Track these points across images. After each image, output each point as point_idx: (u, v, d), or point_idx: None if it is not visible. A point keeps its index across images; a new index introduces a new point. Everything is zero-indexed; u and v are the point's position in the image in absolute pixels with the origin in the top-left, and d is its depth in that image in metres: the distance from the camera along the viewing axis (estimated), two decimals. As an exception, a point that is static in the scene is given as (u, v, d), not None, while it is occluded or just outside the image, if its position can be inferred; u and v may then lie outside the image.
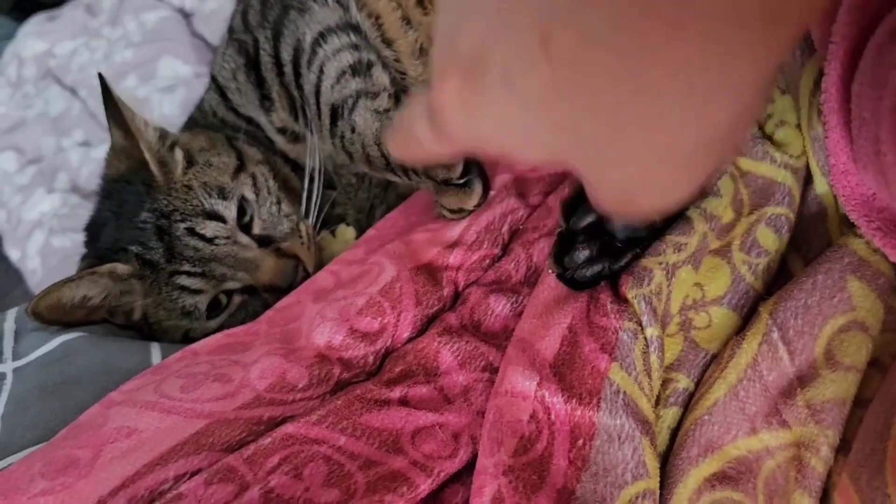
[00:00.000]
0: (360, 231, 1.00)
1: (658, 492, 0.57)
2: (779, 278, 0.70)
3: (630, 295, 0.64)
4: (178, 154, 0.94)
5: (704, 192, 0.69)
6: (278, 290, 0.90)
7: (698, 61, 0.28)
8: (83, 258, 0.98)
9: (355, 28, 0.96)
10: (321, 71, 0.92)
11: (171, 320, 0.92)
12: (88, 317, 0.89)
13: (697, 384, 0.64)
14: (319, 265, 0.93)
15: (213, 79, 1.11)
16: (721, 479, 0.57)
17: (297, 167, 1.05)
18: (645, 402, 0.60)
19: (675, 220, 0.68)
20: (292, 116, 1.02)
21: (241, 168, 0.96)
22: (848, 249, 0.62)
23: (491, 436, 0.60)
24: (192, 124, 1.13)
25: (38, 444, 0.68)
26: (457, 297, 0.79)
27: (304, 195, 1.00)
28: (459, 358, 0.69)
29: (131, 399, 0.67)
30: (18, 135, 1.85)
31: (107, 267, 0.88)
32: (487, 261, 0.80)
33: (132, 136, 0.91)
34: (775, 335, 0.61)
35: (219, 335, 0.79)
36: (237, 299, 0.94)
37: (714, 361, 0.64)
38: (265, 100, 1.03)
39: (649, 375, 0.61)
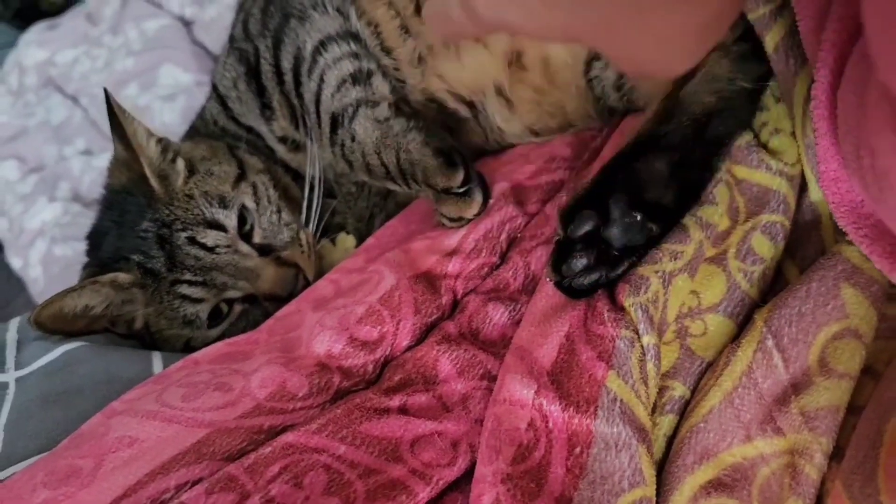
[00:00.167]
0: (360, 239, 1.01)
1: (654, 499, 0.58)
2: (774, 285, 0.70)
3: (627, 303, 0.65)
4: (180, 164, 0.95)
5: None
6: (279, 299, 0.91)
7: None
8: (85, 267, 0.99)
9: (355, 37, 0.97)
10: (321, 79, 0.93)
11: (173, 329, 0.92)
12: (90, 326, 0.90)
13: (693, 392, 0.65)
14: (320, 273, 0.93)
15: (214, 88, 1.12)
16: (716, 485, 0.57)
17: (298, 176, 1.05)
18: (641, 410, 0.60)
19: (671, 228, 0.69)
20: (293, 125, 1.02)
21: (241, 177, 0.97)
22: (842, 257, 0.63)
23: (489, 444, 0.61)
24: (193, 133, 1.14)
25: (40, 453, 0.68)
26: (455, 304, 0.79)
27: (305, 204, 1.01)
28: (458, 366, 0.70)
29: (133, 408, 0.68)
30: (20, 143, 1.86)
31: (108, 276, 0.89)
32: (486, 269, 0.81)
33: (134, 151, 0.91)
34: (770, 343, 0.61)
35: (219, 344, 0.80)
36: (238, 308, 0.94)
37: (709, 369, 0.65)
38: (266, 109, 1.03)
39: (646, 383, 0.62)
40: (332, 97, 0.91)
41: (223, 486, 0.58)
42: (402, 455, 0.62)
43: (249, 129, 1.06)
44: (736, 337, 0.66)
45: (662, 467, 0.61)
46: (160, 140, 0.97)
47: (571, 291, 0.69)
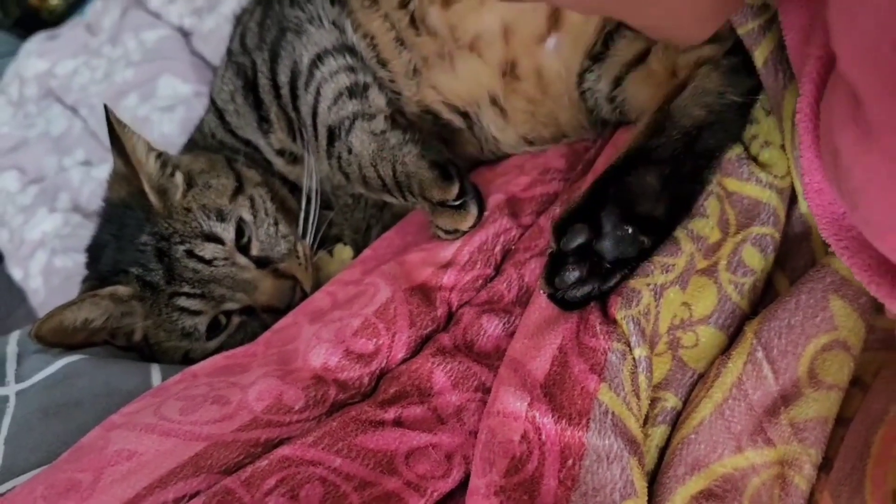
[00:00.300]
0: (357, 250, 1.02)
1: (646, 510, 0.58)
2: (765, 297, 0.71)
3: (619, 316, 0.66)
4: (179, 178, 0.96)
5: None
6: (276, 311, 0.92)
7: None
8: (84, 280, 1.00)
9: (351, 50, 0.98)
10: (318, 93, 0.94)
11: (172, 341, 0.93)
12: (90, 339, 0.91)
13: (685, 403, 0.65)
14: (317, 285, 0.94)
15: (212, 101, 1.13)
16: (707, 496, 0.58)
17: (295, 188, 1.06)
18: (633, 422, 0.61)
19: (663, 241, 0.70)
20: (290, 138, 1.03)
21: (239, 190, 0.98)
22: (830, 269, 0.63)
23: (483, 456, 0.61)
24: (192, 146, 1.15)
25: (40, 466, 0.69)
26: (450, 316, 0.80)
27: (302, 216, 1.01)
28: (452, 378, 0.70)
29: (131, 422, 0.68)
30: (20, 154, 1.87)
31: (108, 289, 0.90)
32: (480, 281, 0.82)
33: (133, 166, 0.92)
34: (760, 354, 0.62)
35: (217, 357, 0.80)
36: (236, 320, 0.95)
37: (700, 381, 0.65)
38: (263, 122, 1.04)
39: (637, 395, 0.62)
40: (328, 110, 0.92)
41: (220, 499, 0.59)
42: (397, 467, 0.63)
43: (247, 142, 1.07)
44: (727, 348, 0.66)
45: (655, 478, 0.62)
46: (159, 155, 0.98)
47: (564, 304, 0.70)
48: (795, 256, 0.71)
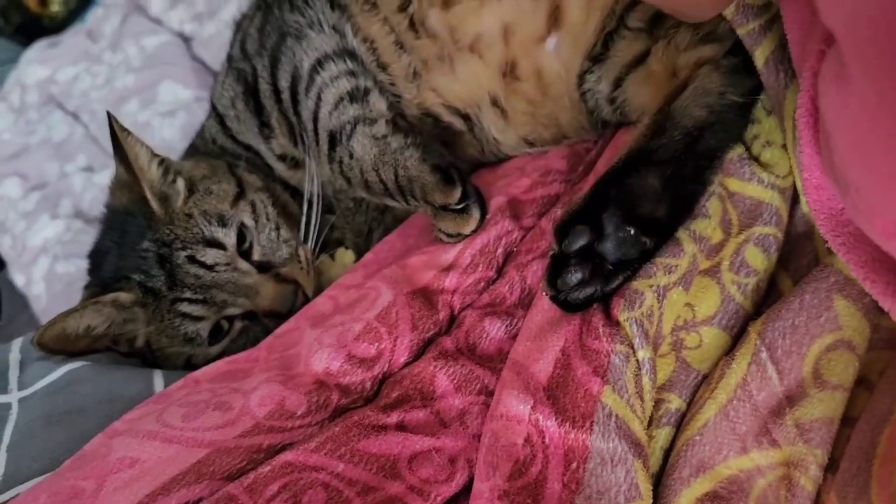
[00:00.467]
0: (359, 254, 1.02)
1: (651, 513, 0.58)
2: (768, 297, 0.71)
3: (622, 318, 0.65)
4: (180, 184, 0.96)
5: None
6: (278, 315, 0.91)
7: None
8: (86, 287, 1.00)
9: (352, 54, 0.97)
10: (319, 98, 0.94)
11: (174, 347, 0.93)
12: (92, 345, 0.91)
13: (689, 404, 0.65)
14: (319, 289, 0.94)
15: (213, 107, 1.13)
16: (713, 498, 0.58)
17: (297, 193, 1.06)
18: (637, 424, 0.61)
19: (665, 242, 0.70)
20: (292, 142, 1.03)
21: (240, 195, 0.98)
22: (834, 269, 0.63)
23: (486, 460, 0.61)
24: (193, 151, 1.15)
25: (43, 474, 0.69)
26: (452, 320, 0.80)
27: (303, 220, 1.01)
28: (455, 382, 0.70)
29: (134, 429, 0.68)
30: (22, 161, 1.87)
31: (110, 296, 0.90)
32: (482, 283, 0.82)
33: (135, 174, 0.92)
34: (764, 355, 0.62)
35: (219, 362, 0.80)
36: (238, 325, 0.95)
37: (704, 382, 0.65)
38: (264, 127, 1.04)
39: (641, 398, 0.62)
40: (329, 115, 0.92)
41: (223, 505, 0.59)
42: (400, 472, 0.63)
43: (248, 148, 1.07)
44: (730, 349, 0.66)
45: (660, 480, 0.62)
46: (162, 161, 0.97)
47: (567, 305, 0.70)
48: (798, 256, 0.71)
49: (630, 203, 0.69)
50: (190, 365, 0.93)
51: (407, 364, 0.75)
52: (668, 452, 0.63)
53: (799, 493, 0.57)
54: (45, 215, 1.72)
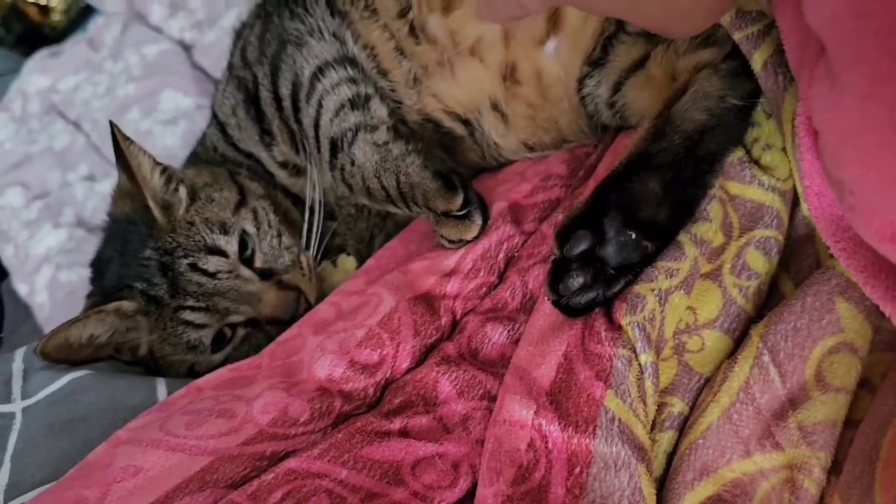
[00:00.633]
0: (361, 260, 1.02)
1: (655, 517, 0.58)
2: (770, 300, 0.71)
3: (624, 322, 0.65)
4: (182, 192, 0.96)
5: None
6: (281, 322, 0.91)
7: None
8: (89, 296, 1.00)
9: (352, 61, 0.98)
10: (320, 105, 0.94)
11: (177, 355, 0.93)
12: (95, 354, 0.91)
13: (692, 408, 0.65)
14: (321, 295, 0.94)
15: (214, 115, 1.13)
16: (717, 502, 0.58)
17: (298, 200, 1.07)
18: (640, 428, 0.61)
19: (666, 245, 0.70)
20: (293, 150, 1.04)
21: (242, 203, 0.98)
22: (835, 271, 0.63)
23: (490, 465, 0.61)
24: (195, 159, 1.15)
25: (47, 483, 0.69)
26: (454, 325, 0.80)
27: (305, 227, 1.02)
28: (458, 387, 0.70)
29: (137, 437, 0.68)
30: (24, 170, 1.87)
31: (113, 305, 0.90)
32: (484, 288, 0.82)
33: (138, 183, 0.93)
34: (766, 358, 0.62)
35: (222, 370, 0.80)
36: (241, 332, 0.95)
37: (707, 385, 0.65)
38: (265, 135, 1.05)
39: (644, 402, 0.62)
40: (330, 122, 0.93)
41: (227, 513, 0.59)
42: (403, 478, 0.63)
43: (249, 155, 1.08)
44: (733, 352, 0.66)
45: (663, 484, 0.62)
46: (164, 170, 0.97)
47: (569, 310, 0.70)
48: (800, 258, 0.71)
49: (631, 207, 0.70)
50: (193, 373, 0.93)
51: (409, 370, 0.75)
52: (671, 456, 0.63)
53: (802, 495, 0.56)
54: (47, 224, 1.72)
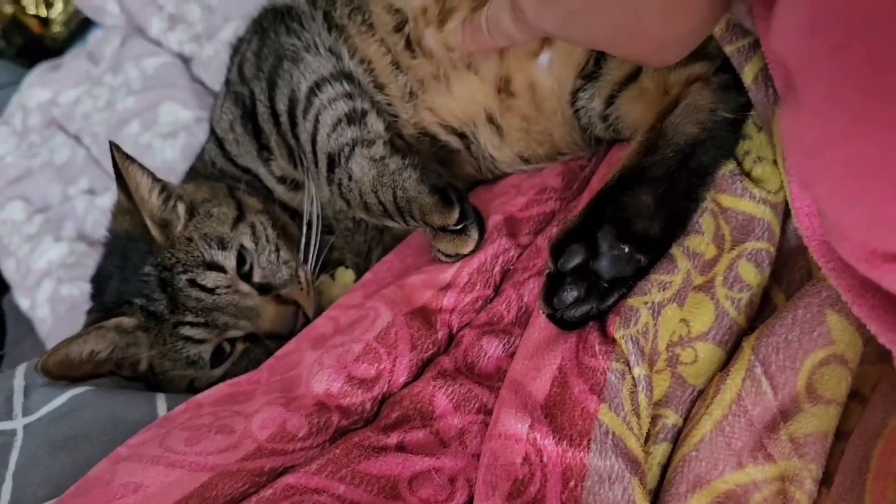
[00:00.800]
0: (359, 273, 1.02)
1: (648, 530, 0.58)
2: (762, 312, 0.71)
3: (617, 335, 0.66)
4: (181, 209, 0.97)
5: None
6: (280, 337, 0.92)
7: None
8: (89, 312, 1.01)
9: (349, 76, 0.99)
10: (317, 120, 0.95)
11: (177, 370, 0.94)
12: (95, 370, 0.92)
13: (685, 420, 0.66)
14: (320, 309, 0.95)
15: (212, 130, 1.14)
16: (710, 514, 0.58)
17: (296, 214, 1.07)
18: (634, 441, 0.61)
19: (659, 258, 0.70)
20: (291, 165, 1.04)
21: (240, 218, 0.99)
22: (826, 284, 0.64)
23: (485, 479, 0.62)
24: (193, 174, 1.16)
25: (48, 500, 0.70)
26: (451, 339, 0.81)
27: (303, 241, 1.02)
28: (454, 401, 0.71)
29: (137, 454, 0.69)
30: (25, 184, 1.89)
31: (113, 321, 0.91)
32: (480, 302, 0.83)
33: (136, 203, 0.93)
34: (758, 370, 0.62)
35: (221, 385, 0.81)
36: (240, 347, 0.96)
37: (700, 397, 0.66)
38: (263, 150, 1.05)
39: (637, 415, 0.63)
40: (327, 137, 0.93)
41: (226, 529, 0.60)
42: (400, 492, 0.64)
43: (247, 171, 1.08)
44: (725, 364, 0.67)
45: (657, 496, 0.62)
46: (163, 189, 0.98)
47: (563, 323, 0.70)
48: (791, 270, 0.72)
49: (624, 221, 0.70)
50: (193, 388, 0.94)
51: (406, 384, 0.75)
52: (665, 468, 0.64)
53: (795, 507, 0.57)
54: (48, 238, 1.73)
